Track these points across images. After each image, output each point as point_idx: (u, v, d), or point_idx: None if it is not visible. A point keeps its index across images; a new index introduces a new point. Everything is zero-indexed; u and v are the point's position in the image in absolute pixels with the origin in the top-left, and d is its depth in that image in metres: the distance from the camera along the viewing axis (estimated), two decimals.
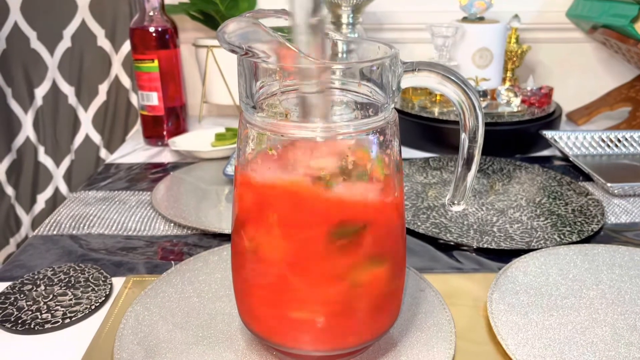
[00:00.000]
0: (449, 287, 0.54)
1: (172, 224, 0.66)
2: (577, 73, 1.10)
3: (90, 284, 0.53)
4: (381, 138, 0.38)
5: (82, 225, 0.66)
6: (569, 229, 0.63)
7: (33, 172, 1.03)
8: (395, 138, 0.39)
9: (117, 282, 0.55)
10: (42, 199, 1.05)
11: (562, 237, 0.61)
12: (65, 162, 1.05)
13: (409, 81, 0.39)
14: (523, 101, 0.92)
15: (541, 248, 0.58)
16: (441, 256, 0.59)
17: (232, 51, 0.36)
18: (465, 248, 0.60)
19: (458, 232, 0.62)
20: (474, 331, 0.48)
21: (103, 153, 1.07)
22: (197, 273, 0.55)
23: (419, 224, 0.64)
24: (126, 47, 1.03)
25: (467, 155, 0.41)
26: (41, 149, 1.03)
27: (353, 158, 0.37)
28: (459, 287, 0.54)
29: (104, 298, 0.51)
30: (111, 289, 0.53)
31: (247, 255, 0.41)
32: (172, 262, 0.58)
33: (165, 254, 0.60)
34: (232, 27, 0.35)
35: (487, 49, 0.91)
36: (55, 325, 0.48)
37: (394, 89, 0.38)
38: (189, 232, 0.65)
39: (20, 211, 1.03)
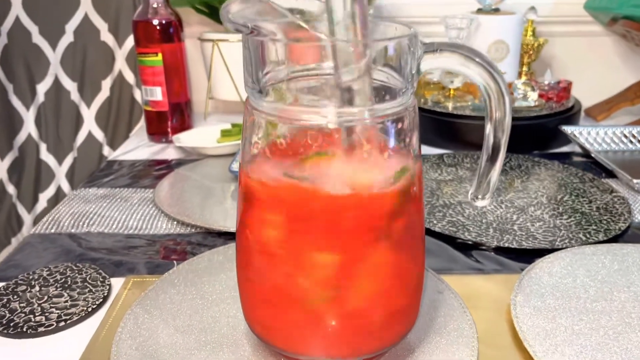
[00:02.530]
0: (469, 289, 0.50)
1: (175, 222, 0.63)
2: (595, 67, 1.07)
3: (88, 285, 0.50)
4: (399, 126, 0.35)
5: (81, 223, 0.63)
6: (594, 227, 0.59)
7: (35, 170, 1.00)
8: (414, 127, 0.36)
9: (117, 282, 0.52)
10: (44, 198, 1.02)
11: (588, 236, 0.57)
12: (68, 160, 1.02)
13: (429, 63, 0.35)
14: (540, 96, 0.89)
15: (566, 248, 0.55)
16: (459, 256, 0.56)
17: (237, 30, 0.33)
18: (484, 247, 0.57)
19: (477, 230, 0.59)
20: (497, 336, 0.44)
21: (106, 150, 1.04)
22: (201, 273, 0.52)
23: (435, 222, 0.60)
24: (130, 41, 1.00)
25: (493, 145, 0.38)
26: (43, 147, 1.01)
27: (369, 147, 0.34)
28: (480, 289, 0.51)
29: (101, 300, 0.48)
30: (110, 290, 0.50)
31: (254, 254, 0.38)
32: (175, 262, 0.55)
33: (167, 253, 0.57)
34: (236, 7, 0.32)
35: (502, 41, 0.88)
36: (49, 328, 0.45)
37: (413, 72, 0.35)
38: (193, 230, 0.61)
39: (22, 210, 1.00)
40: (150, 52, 0.85)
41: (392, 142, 0.35)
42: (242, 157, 0.38)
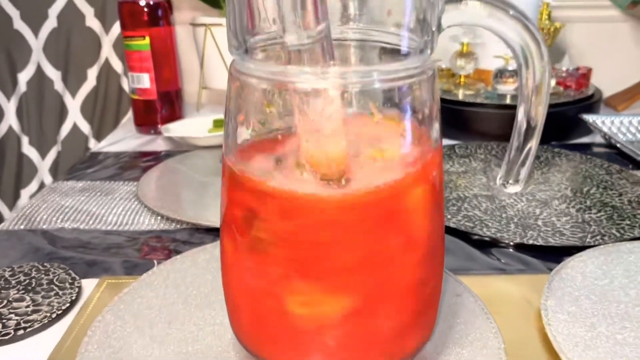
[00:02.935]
0: (491, 292, 0.44)
1: (159, 218, 0.57)
2: (614, 55, 1.00)
3: (54, 287, 0.44)
4: (416, 92, 0.28)
5: (55, 219, 0.57)
6: (628, 222, 0.53)
7: (16, 164, 0.94)
8: (433, 98, 0.30)
9: (89, 284, 0.45)
10: (26, 194, 0.95)
11: (622, 232, 0.51)
12: (52, 154, 0.96)
13: (452, 17, 0.29)
14: (558, 83, 0.82)
15: (598, 245, 0.48)
16: (478, 254, 0.49)
17: None
18: (505, 244, 0.50)
19: (496, 226, 0.52)
20: (527, 347, 0.38)
21: (92, 143, 0.98)
22: (184, 274, 0.46)
23: (449, 217, 0.54)
24: (117, 27, 0.94)
25: (529, 118, 0.31)
26: (25, 140, 0.94)
27: (379, 117, 0.27)
28: (503, 291, 0.44)
29: (68, 304, 0.42)
30: (79, 293, 0.44)
31: (241, 255, 0.32)
32: (155, 261, 0.49)
33: (148, 251, 0.51)
34: None
35: None
36: (6, 337, 0.38)
37: (433, 28, 0.29)
38: (179, 226, 0.55)
39: (2, 207, 0.94)
40: (137, 36, 0.79)
41: (407, 115, 0.28)
42: (225, 141, 0.32)
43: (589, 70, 0.84)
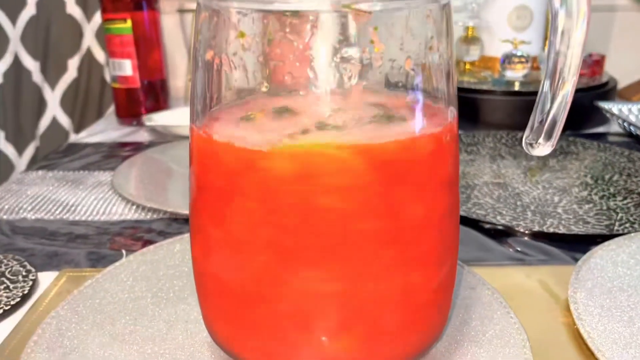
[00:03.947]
0: (509, 284, 0.38)
1: (134, 207, 0.51)
2: (626, 46, 0.95)
3: (5, 281, 0.38)
4: (429, 22, 0.23)
5: (18, 208, 0.51)
6: None
7: None
8: (447, 33, 0.24)
9: (47, 278, 0.39)
10: None
11: None
12: (29, 150, 0.90)
13: None
14: None
15: (628, 233, 0.43)
16: (492, 244, 0.43)
17: None
18: (522, 233, 0.44)
19: (511, 214, 0.46)
20: (555, 345, 0.32)
21: (73, 139, 0.92)
22: (157, 266, 0.40)
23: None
24: (100, 15, 0.88)
25: (555, 60, 0.25)
26: (1, 135, 0.88)
27: (382, 47, 0.22)
28: (523, 284, 0.38)
29: (19, 298, 0.36)
30: (33, 287, 0.38)
31: (216, 242, 0.26)
32: (123, 251, 0.43)
33: (118, 243, 0.45)
34: None
35: (525, 6, 0.76)
36: None
37: None
38: (155, 216, 0.49)
39: None
40: (117, 19, 0.73)
41: (414, 48, 0.23)
42: (191, 100, 0.26)
43: (603, 57, 0.78)
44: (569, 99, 0.26)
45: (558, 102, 0.25)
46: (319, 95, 0.23)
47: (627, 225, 0.44)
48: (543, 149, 0.27)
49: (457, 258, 0.29)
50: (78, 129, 0.92)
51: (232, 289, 0.27)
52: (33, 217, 0.49)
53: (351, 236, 0.24)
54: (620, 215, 0.46)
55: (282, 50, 0.21)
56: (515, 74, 0.73)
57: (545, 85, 0.26)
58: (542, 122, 0.26)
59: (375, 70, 0.22)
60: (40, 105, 0.90)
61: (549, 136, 0.26)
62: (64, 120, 0.91)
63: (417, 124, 0.25)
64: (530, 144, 0.27)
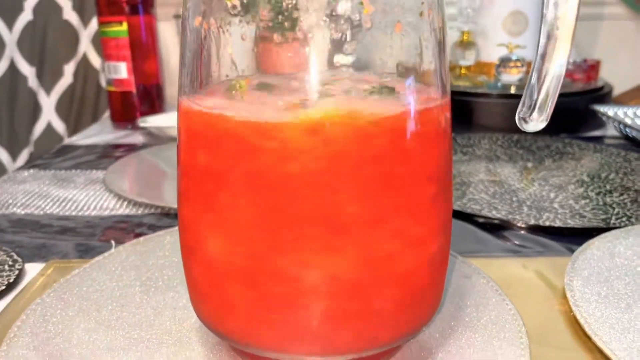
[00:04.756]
0: (505, 274, 0.37)
1: (125, 202, 0.50)
2: (621, 53, 0.95)
3: None
4: None
5: (8, 204, 0.50)
6: None
7: None
8: (440, 9, 0.24)
9: (34, 268, 0.39)
10: None
11: None
12: (23, 155, 0.90)
13: None
14: (566, 75, 0.77)
15: (625, 226, 0.42)
16: (488, 237, 0.43)
17: None
18: (518, 227, 0.44)
19: (507, 209, 0.46)
20: (552, 331, 0.32)
21: (66, 141, 0.92)
22: (147, 256, 0.39)
23: (453, 199, 0.48)
24: (96, 21, 0.88)
25: (551, 25, 0.25)
26: None
27: (371, 10, 0.21)
28: (518, 274, 0.38)
29: (4, 287, 0.35)
30: (19, 276, 0.37)
31: (201, 217, 0.26)
32: (112, 242, 0.42)
33: (108, 235, 0.44)
34: None
35: (520, 12, 0.76)
36: None
37: None
38: (146, 211, 0.49)
39: None
40: (113, 21, 0.73)
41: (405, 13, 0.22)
42: (180, 71, 0.26)
43: (598, 62, 0.78)
44: (563, 71, 0.25)
45: (551, 74, 0.25)
46: (311, 63, 0.22)
47: (624, 219, 0.44)
48: (536, 124, 0.27)
49: (450, 236, 0.28)
50: (73, 134, 0.92)
51: (220, 266, 0.26)
52: (22, 212, 0.49)
53: (345, 211, 0.23)
54: (617, 210, 0.46)
55: (270, 13, 0.21)
56: (511, 78, 0.73)
57: (538, 57, 0.25)
58: (535, 96, 0.26)
59: (364, 33, 0.22)
60: (35, 110, 0.89)
61: (542, 110, 0.26)
62: (59, 126, 0.91)
63: (408, 96, 0.24)
64: (524, 119, 0.27)
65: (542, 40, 0.25)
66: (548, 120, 0.26)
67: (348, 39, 0.22)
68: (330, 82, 0.23)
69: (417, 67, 0.24)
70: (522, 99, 0.27)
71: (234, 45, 0.24)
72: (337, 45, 0.22)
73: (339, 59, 0.23)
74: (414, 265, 0.25)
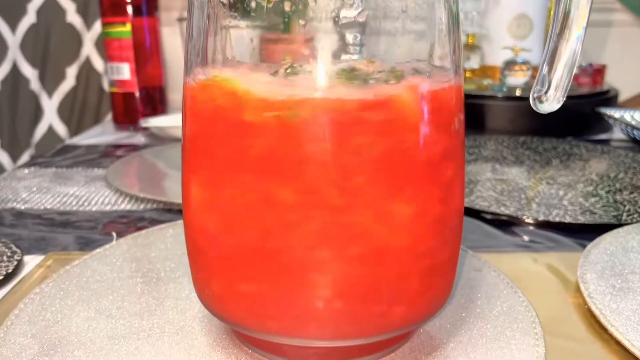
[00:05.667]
0: (516, 268, 0.37)
1: (127, 198, 0.49)
2: (627, 59, 0.95)
3: None
4: None
5: (8, 199, 0.50)
6: None
7: None
8: None
9: (33, 260, 0.38)
10: None
11: None
12: (24, 158, 0.89)
13: None
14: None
15: (637, 222, 0.41)
16: (498, 233, 0.42)
17: None
18: (527, 223, 0.43)
19: (515, 205, 0.45)
20: (566, 323, 0.31)
21: (68, 141, 0.91)
22: (149, 249, 0.38)
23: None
24: (100, 24, 0.88)
25: (565, 5, 0.24)
26: None
27: None
28: (531, 268, 0.37)
29: (2, 277, 0.35)
30: (18, 267, 0.36)
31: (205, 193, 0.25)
32: (113, 234, 0.41)
33: (109, 229, 0.43)
34: None
35: (526, 15, 0.76)
36: None
37: None
38: (148, 206, 0.48)
39: None
40: (117, 22, 0.73)
41: None
42: (185, 48, 0.25)
43: (603, 66, 0.78)
44: (579, 48, 0.24)
45: (568, 52, 0.24)
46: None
47: (636, 215, 0.43)
48: (551, 103, 0.26)
49: (462, 220, 0.28)
50: (74, 137, 0.91)
51: (225, 247, 0.25)
52: (23, 208, 0.48)
53: (357, 190, 0.22)
54: (628, 207, 0.45)
55: None
56: (516, 81, 0.73)
57: (554, 35, 0.25)
58: (551, 74, 0.25)
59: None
60: (37, 113, 0.89)
61: (556, 89, 0.25)
62: (60, 129, 0.90)
63: (420, 75, 0.23)
64: (539, 98, 0.26)
65: (559, 15, 0.24)
66: (564, 99, 0.26)
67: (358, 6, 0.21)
68: (339, 62, 0.23)
69: (431, 46, 0.24)
70: (537, 78, 0.26)
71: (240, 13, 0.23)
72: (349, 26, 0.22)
73: (349, 38, 0.22)
74: (427, 247, 0.25)
